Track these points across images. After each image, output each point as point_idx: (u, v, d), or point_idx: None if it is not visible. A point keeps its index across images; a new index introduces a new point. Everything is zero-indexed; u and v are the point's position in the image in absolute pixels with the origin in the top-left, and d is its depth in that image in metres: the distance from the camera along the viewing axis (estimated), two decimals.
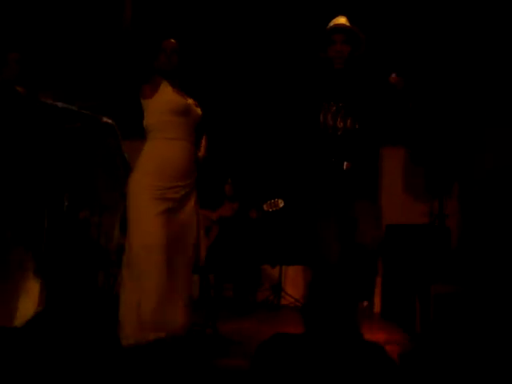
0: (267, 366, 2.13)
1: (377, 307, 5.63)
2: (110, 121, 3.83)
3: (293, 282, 6.04)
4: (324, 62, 3.01)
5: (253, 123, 5.79)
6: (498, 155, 5.10)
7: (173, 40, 3.26)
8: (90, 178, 4.24)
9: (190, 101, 3.30)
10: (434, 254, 5.16)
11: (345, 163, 2.92)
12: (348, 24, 3.01)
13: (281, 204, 5.41)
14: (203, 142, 3.41)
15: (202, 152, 3.37)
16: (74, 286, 4.32)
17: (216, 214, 5.79)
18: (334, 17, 3.07)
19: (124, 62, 3.15)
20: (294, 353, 2.17)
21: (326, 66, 3.01)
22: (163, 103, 3.13)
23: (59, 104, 3.54)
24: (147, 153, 3.14)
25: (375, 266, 3.10)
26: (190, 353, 2.98)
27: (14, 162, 3.22)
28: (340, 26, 2.97)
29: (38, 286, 3.12)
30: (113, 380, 2.50)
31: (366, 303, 5.33)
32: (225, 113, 5.72)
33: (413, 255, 5.19)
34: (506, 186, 4.86)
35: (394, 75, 2.87)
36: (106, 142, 3.93)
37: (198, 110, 3.29)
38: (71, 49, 5.31)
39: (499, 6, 4.65)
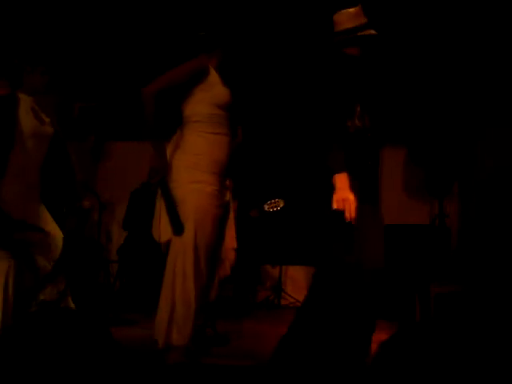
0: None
1: None
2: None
3: (293, 282, 6.04)
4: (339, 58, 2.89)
5: (261, 123, 5.75)
6: (498, 155, 5.10)
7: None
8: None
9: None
10: (434, 254, 5.16)
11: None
12: (360, 21, 2.87)
13: (281, 204, 5.41)
14: (239, 130, 3.31)
15: (239, 138, 3.28)
16: (75, 285, 4.31)
17: None
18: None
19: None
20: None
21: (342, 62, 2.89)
22: (211, 95, 3.03)
23: None
24: (192, 148, 3.01)
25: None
26: (189, 353, 2.98)
27: None
28: (354, 37, 2.85)
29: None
30: (111, 379, 2.51)
31: None
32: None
33: (413, 255, 5.19)
34: (506, 186, 4.87)
35: None
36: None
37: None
38: (71, 49, 5.31)
39: (499, 5, 4.65)
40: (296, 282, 6.01)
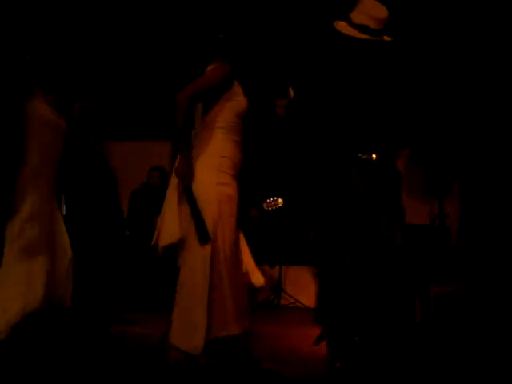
0: None
1: None
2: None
3: (293, 282, 6.04)
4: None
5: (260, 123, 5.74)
6: (498, 155, 5.10)
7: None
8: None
9: None
10: (434, 254, 5.16)
11: (373, 155, 2.87)
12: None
13: (280, 203, 5.41)
14: None
15: None
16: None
17: None
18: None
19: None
20: None
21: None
22: (235, 103, 3.06)
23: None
24: (217, 150, 3.02)
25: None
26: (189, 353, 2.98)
27: None
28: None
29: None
30: (111, 379, 2.51)
31: None
32: None
33: (413, 255, 5.19)
34: (505, 186, 4.87)
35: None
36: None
37: None
38: (72, 49, 5.31)
39: (500, 7, 4.65)
40: (296, 282, 6.01)
